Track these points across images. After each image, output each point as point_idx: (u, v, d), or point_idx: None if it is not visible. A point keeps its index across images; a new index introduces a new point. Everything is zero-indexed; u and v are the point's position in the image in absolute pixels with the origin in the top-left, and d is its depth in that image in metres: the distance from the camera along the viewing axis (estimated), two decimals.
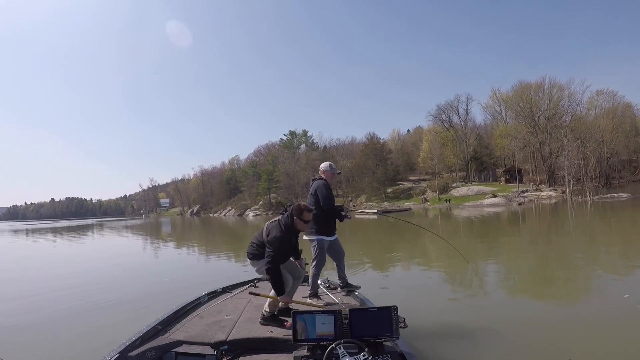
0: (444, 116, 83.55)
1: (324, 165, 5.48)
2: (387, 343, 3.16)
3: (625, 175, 70.64)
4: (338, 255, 5.35)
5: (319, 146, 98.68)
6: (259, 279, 6.10)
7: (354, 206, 70.84)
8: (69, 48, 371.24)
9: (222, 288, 5.59)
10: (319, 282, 5.30)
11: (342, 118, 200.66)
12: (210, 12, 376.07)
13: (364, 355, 2.80)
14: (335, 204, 5.29)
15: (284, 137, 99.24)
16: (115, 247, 24.29)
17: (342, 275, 5.36)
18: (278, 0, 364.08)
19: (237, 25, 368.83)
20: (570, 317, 5.77)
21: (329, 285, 5.59)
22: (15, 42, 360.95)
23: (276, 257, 4.09)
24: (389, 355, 2.99)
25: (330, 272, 6.32)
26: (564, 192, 54.55)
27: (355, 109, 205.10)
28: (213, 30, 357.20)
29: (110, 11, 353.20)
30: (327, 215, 5.13)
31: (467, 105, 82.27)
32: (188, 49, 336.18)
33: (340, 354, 2.81)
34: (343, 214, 5.27)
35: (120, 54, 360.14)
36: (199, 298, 5.00)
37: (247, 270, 11.66)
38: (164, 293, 8.84)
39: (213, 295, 5.30)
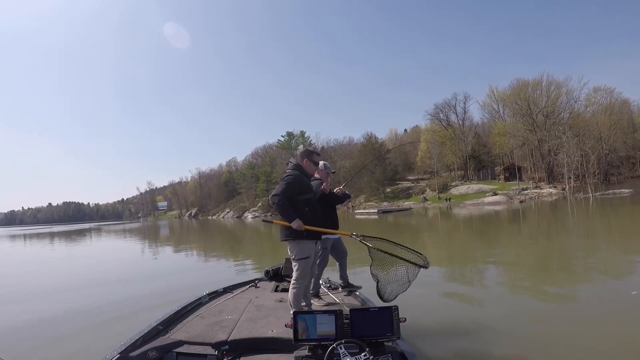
0: (441, 115, 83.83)
1: (319, 165, 5.43)
2: (388, 343, 3.14)
3: (623, 172, 71.01)
4: (340, 254, 5.32)
5: (317, 147, 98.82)
6: (259, 279, 6.12)
7: (353, 207, 70.94)
8: (62, 50, 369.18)
9: (223, 288, 5.58)
10: (320, 282, 5.28)
11: (339, 119, 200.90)
12: (206, 15, 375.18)
13: (364, 355, 2.77)
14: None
15: (282, 139, 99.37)
16: (113, 251, 24.27)
17: (343, 275, 5.33)
18: (273, 2, 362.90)
19: (232, 28, 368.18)
20: (576, 315, 5.74)
21: (330, 285, 5.58)
22: (7, 44, 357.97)
23: (286, 188, 4.18)
24: (389, 355, 2.97)
25: (329, 272, 6.31)
26: (563, 189, 54.71)
27: (352, 110, 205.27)
28: (208, 33, 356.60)
29: (105, 13, 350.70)
30: (329, 213, 5.08)
31: (464, 103, 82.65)
32: (183, 51, 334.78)
33: (341, 354, 2.79)
34: (341, 194, 5.28)
35: (115, 56, 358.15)
36: (200, 298, 4.99)
37: (246, 271, 11.69)
38: (159, 296, 8.82)
39: (214, 295, 5.28)
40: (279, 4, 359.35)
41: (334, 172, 5.50)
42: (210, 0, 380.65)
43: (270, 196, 4.29)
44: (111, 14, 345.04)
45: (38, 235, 52.25)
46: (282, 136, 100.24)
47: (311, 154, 4.65)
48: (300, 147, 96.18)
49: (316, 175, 5.26)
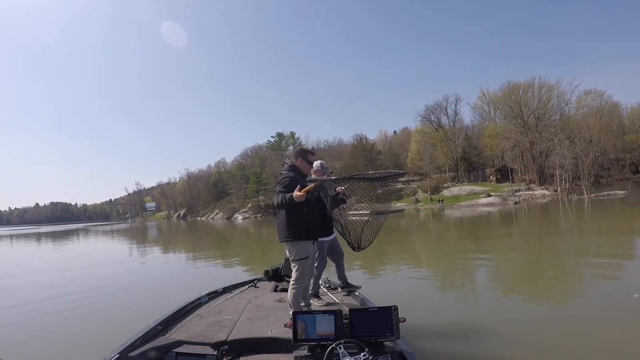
0: (432, 117, 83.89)
1: (315, 165, 5.31)
2: (388, 343, 3.15)
3: (613, 174, 71.80)
4: (337, 255, 5.33)
5: (308, 147, 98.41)
6: (259, 279, 6.13)
7: (344, 208, 70.82)
8: (48, 48, 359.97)
9: (223, 288, 5.58)
10: (319, 282, 5.28)
11: (329, 120, 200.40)
12: (195, 16, 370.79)
13: (364, 355, 2.78)
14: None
15: (272, 139, 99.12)
16: (102, 252, 24.17)
17: (341, 276, 5.33)
18: (262, 3, 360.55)
19: (222, 28, 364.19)
20: (576, 317, 5.75)
21: (329, 286, 5.61)
22: None
23: (285, 191, 4.12)
24: (389, 355, 2.98)
25: (330, 273, 6.33)
26: (555, 190, 55.12)
27: (341, 111, 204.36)
28: (198, 33, 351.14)
29: (93, 9, 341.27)
30: (323, 215, 5.05)
31: (455, 105, 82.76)
32: (172, 51, 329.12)
33: (340, 354, 2.79)
34: (341, 196, 5.10)
35: (102, 54, 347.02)
36: (199, 298, 4.99)
37: (234, 267, 11.67)
38: (156, 296, 8.81)
39: (213, 295, 5.29)
40: (268, 4, 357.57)
41: (331, 172, 5.39)
42: (200, 0, 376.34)
43: (273, 205, 4.27)
44: (100, 10, 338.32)
45: (25, 237, 51.72)
46: (272, 137, 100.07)
47: (306, 153, 4.65)
48: (290, 148, 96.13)
49: (313, 176, 5.21)
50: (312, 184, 4.07)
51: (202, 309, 4.66)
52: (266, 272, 6.24)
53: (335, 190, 4.80)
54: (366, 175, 4.04)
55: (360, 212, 4.49)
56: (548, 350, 4.45)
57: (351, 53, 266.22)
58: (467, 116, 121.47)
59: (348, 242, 4.34)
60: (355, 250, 4.36)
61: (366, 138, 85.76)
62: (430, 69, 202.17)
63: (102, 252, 23.99)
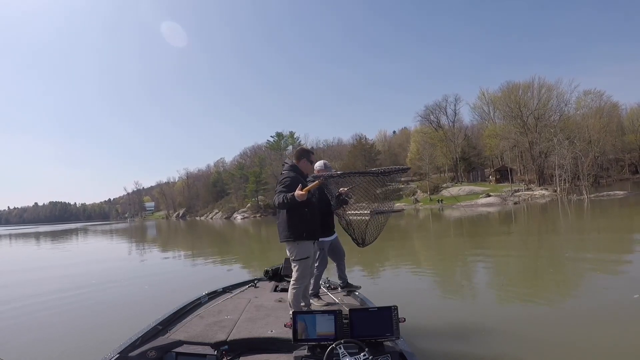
0: (432, 117, 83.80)
1: (318, 164, 5.20)
2: (388, 343, 3.15)
3: (612, 174, 71.83)
4: (339, 255, 5.31)
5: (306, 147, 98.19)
6: (259, 279, 6.13)
7: (344, 207, 70.78)
8: (47, 47, 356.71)
9: (223, 288, 5.58)
10: (320, 282, 5.27)
11: (328, 120, 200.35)
12: (195, 16, 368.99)
13: (364, 355, 2.78)
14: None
15: (271, 139, 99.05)
16: (101, 252, 24.14)
17: (342, 276, 5.32)
18: (262, 3, 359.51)
19: (221, 28, 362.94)
20: (577, 317, 5.74)
21: (329, 286, 5.60)
22: None
23: (286, 191, 4.10)
24: (389, 355, 2.98)
25: (330, 273, 6.32)
26: (555, 191, 55.12)
27: (340, 111, 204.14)
28: (197, 33, 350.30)
29: (92, 8, 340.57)
30: (323, 215, 5.02)
31: (455, 105, 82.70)
32: (171, 51, 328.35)
33: (340, 354, 2.79)
34: (343, 197, 4.86)
35: (101, 54, 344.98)
36: (199, 298, 4.99)
37: (232, 266, 11.66)
38: (156, 297, 8.80)
39: (213, 295, 5.28)
40: (268, 5, 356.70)
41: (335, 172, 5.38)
42: (200, 0, 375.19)
43: (274, 204, 4.25)
44: (99, 10, 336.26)
45: (24, 236, 51.63)
46: (271, 137, 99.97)
47: (309, 154, 4.65)
48: (290, 147, 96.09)
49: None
50: (315, 182, 4.06)
51: (202, 309, 4.66)
52: (266, 272, 6.23)
53: (337, 191, 4.77)
54: (369, 171, 4.04)
55: (360, 212, 4.48)
56: (548, 350, 4.44)
57: (351, 53, 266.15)
58: (467, 116, 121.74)
59: (353, 238, 4.34)
60: (360, 246, 4.36)
61: (365, 138, 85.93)
62: (430, 69, 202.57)
63: (101, 252, 23.98)
